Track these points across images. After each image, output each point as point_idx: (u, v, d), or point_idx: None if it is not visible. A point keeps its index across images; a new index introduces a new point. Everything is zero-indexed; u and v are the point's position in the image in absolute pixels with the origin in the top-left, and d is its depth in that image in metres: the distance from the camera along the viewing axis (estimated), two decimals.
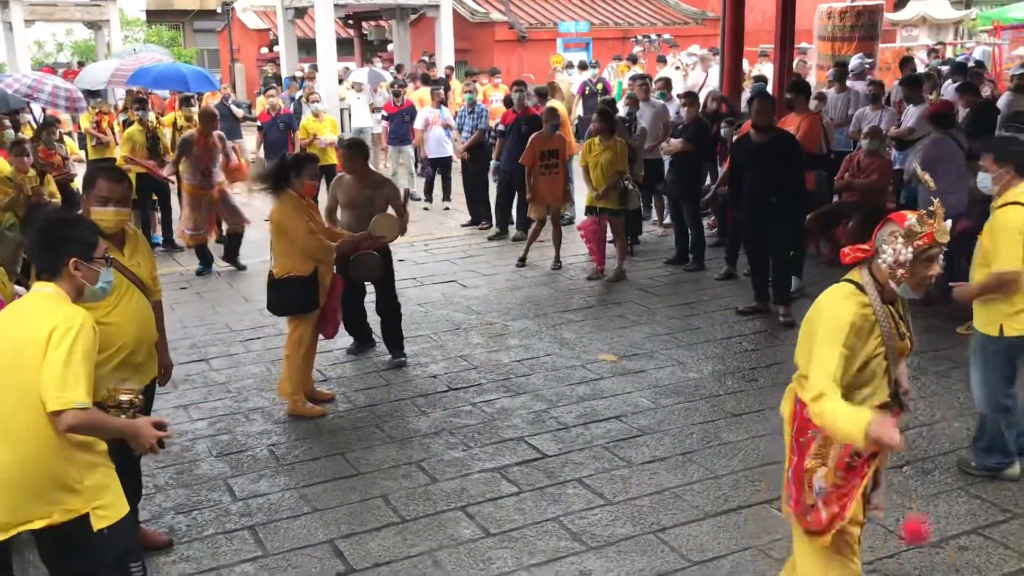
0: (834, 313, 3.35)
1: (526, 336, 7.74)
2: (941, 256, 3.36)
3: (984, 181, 4.87)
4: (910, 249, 3.29)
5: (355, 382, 6.83)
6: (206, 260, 10.16)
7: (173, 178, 10.60)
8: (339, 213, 6.98)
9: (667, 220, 11.16)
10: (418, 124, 13.19)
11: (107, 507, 3.19)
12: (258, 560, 4.50)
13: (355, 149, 6.97)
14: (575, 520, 4.77)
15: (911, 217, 3.33)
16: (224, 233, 10.49)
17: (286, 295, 6.14)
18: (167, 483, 5.31)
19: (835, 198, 9.09)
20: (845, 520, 3.40)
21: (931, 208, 3.32)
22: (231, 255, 10.29)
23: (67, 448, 3.10)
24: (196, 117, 11.14)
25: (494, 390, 6.57)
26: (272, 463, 5.55)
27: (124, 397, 3.39)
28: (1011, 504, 4.79)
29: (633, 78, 12.78)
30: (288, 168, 6.11)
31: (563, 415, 6.10)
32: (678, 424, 5.91)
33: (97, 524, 3.15)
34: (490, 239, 11.51)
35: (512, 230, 11.51)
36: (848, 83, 11.36)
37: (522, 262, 10.06)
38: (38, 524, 3.12)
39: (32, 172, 8.65)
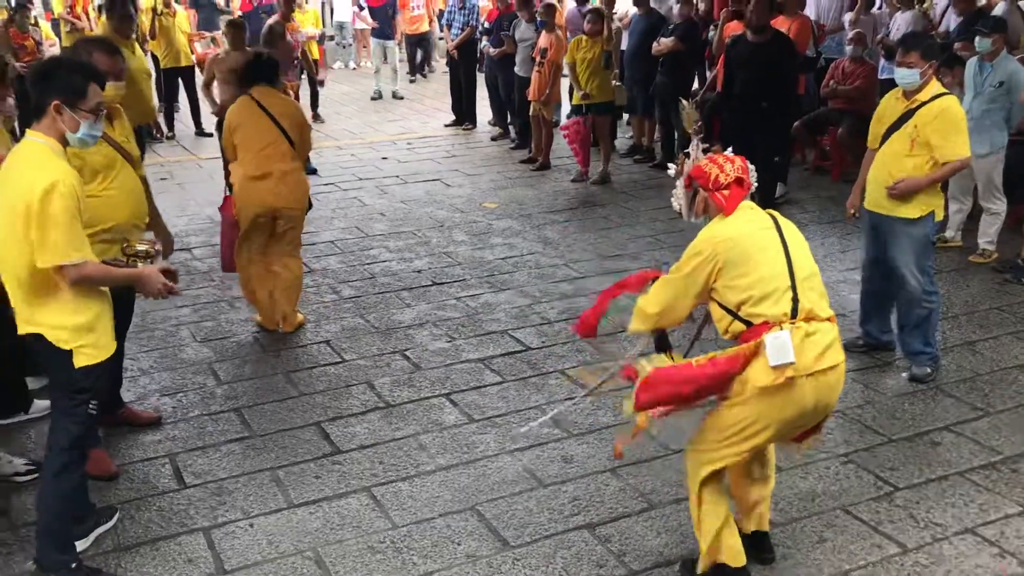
0: None
1: (510, 235, 7.72)
2: None
3: (910, 76, 4.90)
4: None
5: (339, 275, 6.81)
6: None
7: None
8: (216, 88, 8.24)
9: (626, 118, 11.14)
10: None
11: (91, 346, 3.31)
12: (245, 440, 4.55)
13: (238, 28, 8.52)
14: (558, 408, 4.83)
15: None
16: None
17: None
18: (151, 367, 5.32)
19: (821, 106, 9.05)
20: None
21: None
22: None
23: (61, 291, 3.21)
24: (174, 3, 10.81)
25: (478, 285, 6.59)
26: (257, 349, 5.57)
27: (141, 247, 3.54)
28: (982, 403, 4.91)
29: None
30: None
31: (546, 311, 6.13)
32: None
33: (78, 362, 3.28)
34: (493, 139, 11.36)
35: (512, 130, 11.21)
36: None
37: (539, 165, 9.92)
38: (33, 329, 3.28)
39: None
